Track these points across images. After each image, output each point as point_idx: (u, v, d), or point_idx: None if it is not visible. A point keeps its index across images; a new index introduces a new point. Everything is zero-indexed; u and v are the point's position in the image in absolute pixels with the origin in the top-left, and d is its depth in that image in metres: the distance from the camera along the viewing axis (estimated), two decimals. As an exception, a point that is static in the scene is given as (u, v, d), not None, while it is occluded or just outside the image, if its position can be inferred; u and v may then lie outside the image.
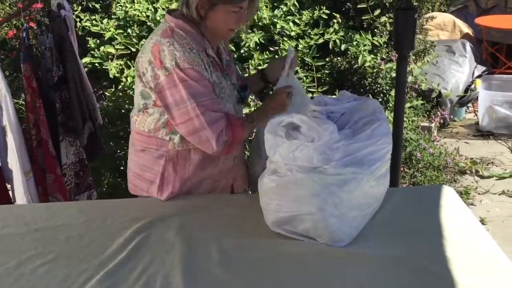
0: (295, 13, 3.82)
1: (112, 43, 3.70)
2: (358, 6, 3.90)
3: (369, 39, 3.77)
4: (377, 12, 3.88)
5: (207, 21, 1.92)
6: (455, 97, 4.81)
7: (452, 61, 5.00)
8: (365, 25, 3.96)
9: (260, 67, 3.50)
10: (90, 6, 4.36)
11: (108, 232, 1.81)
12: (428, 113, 4.54)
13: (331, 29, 3.78)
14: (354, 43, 3.74)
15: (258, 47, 3.68)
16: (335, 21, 3.80)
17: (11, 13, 4.70)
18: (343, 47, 3.72)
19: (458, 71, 4.95)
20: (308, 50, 3.64)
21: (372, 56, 3.74)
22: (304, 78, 3.51)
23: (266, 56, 3.57)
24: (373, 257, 1.63)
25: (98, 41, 3.78)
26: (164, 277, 1.57)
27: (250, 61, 3.55)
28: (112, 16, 3.92)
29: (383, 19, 3.89)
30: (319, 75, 3.59)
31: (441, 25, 5.72)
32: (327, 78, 3.64)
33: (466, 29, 5.77)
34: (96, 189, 3.02)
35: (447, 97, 4.70)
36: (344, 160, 1.64)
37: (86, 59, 3.61)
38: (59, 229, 1.84)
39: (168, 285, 1.54)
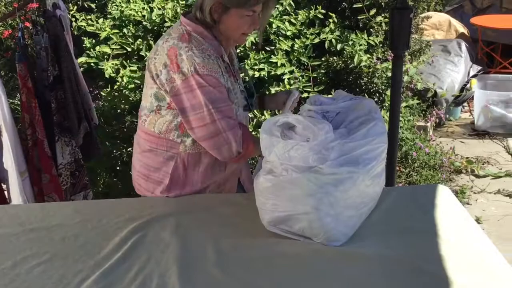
0: (291, 13, 3.81)
1: (108, 43, 3.68)
2: (354, 6, 3.90)
3: (364, 39, 3.77)
4: (372, 11, 3.88)
5: (221, 25, 1.92)
6: (450, 97, 4.81)
7: (447, 61, 5.00)
8: (360, 25, 3.96)
9: (255, 67, 3.50)
10: (86, 5, 4.36)
11: (104, 232, 1.81)
12: (423, 112, 4.54)
13: (327, 29, 3.77)
14: (350, 42, 3.74)
15: (253, 47, 3.67)
16: (331, 20, 3.80)
17: (6, 13, 4.69)
18: (339, 46, 3.72)
19: (454, 71, 4.96)
20: (304, 50, 3.64)
21: (368, 55, 3.74)
22: (300, 77, 3.51)
23: (262, 56, 3.57)
24: (369, 257, 1.63)
25: (93, 40, 3.77)
26: (160, 277, 1.57)
27: (246, 60, 3.55)
28: (108, 16, 3.91)
29: (379, 18, 3.90)
30: (315, 75, 3.59)
31: (437, 24, 5.73)
32: (323, 78, 3.63)
33: (462, 28, 5.78)
34: (92, 189, 3.01)
35: (442, 97, 4.71)
36: (340, 160, 1.64)
37: (82, 59, 3.60)
38: (54, 229, 1.83)
39: (164, 285, 1.53)
